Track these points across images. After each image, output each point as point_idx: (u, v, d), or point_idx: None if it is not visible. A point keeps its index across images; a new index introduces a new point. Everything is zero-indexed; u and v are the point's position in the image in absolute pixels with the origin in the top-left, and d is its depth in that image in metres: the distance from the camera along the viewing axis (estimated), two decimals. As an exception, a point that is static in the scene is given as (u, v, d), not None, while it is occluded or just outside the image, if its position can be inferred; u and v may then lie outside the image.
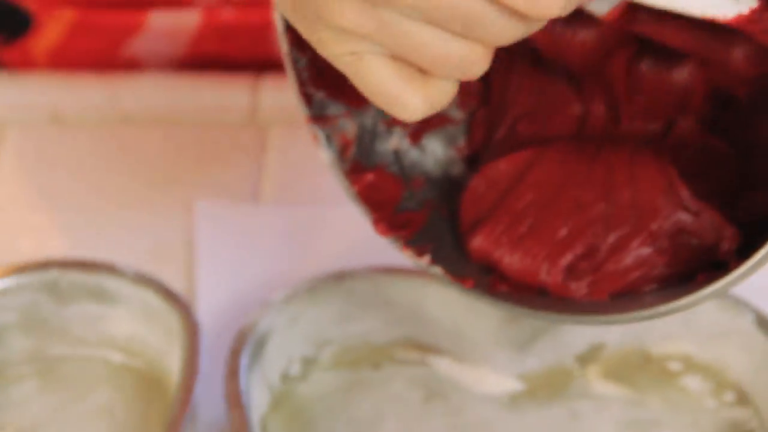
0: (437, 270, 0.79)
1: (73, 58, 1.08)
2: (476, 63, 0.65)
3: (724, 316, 0.85)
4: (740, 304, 0.85)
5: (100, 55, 1.07)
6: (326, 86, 0.79)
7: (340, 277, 0.87)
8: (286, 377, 0.86)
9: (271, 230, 0.96)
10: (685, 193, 0.76)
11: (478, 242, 0.80)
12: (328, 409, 0.86)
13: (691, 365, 0.87)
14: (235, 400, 0.80)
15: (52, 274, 0.86)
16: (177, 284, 0.89)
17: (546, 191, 0.80)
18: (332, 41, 0.65)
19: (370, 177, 0.80)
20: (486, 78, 0.71)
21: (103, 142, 1.03)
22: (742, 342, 0.85)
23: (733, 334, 0.85)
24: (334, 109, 0.80)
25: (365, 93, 0.66)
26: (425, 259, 0.80)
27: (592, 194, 0.78)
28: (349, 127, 0.81)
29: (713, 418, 0.85)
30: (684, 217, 0.76)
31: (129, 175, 1.01)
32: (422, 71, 0.66)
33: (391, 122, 0.84)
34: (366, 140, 0.81)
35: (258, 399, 0.83)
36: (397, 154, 0.82)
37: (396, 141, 0.84)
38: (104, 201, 0.99)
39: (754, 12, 0.69)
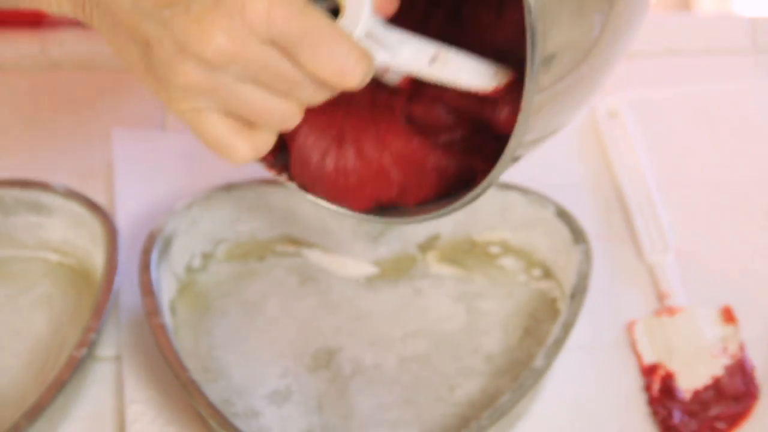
0: (293, 185, 0.82)
1: (8, 16, 1.08)
2: (293, 117, 0.68)
3: (532, 208, 0.91)
4: (543, 198, 0.91)
5: (32, 15, 1.08)
6: None
7: (229, 187, 0.92)
8: (189, 269, 0.91)
9: (176, 152, 0.99)
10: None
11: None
12: (224, 293, 0.91)
13: (507, 248, 0.93)
14: (147, 289, 0.85)
15: None
16: (99, 197, 0.92)
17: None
18: (177, 99, 0.67)
19: None
20: None
21: (36, 86, 1.06)
22: (546, 229, 0.91)
23: (539, 223, 0.91)
24: None
25: (204, 142, 0.68)
26: (284, 177, 0.82)
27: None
28: None
29: (525, 289, 0.91)
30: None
31: (58, 111, 1.04)
32: (249, 124, 0.68)
33: None
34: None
35: (167, 287, 0.88)
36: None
37: None
38: (38, 132, 1.03)
39: (507, 85, 0.73)
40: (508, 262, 0.94)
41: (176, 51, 0.65)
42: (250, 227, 0.94)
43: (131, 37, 0.67)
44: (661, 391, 0.87)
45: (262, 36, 0.65)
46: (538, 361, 0.83)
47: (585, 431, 0.85)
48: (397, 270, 0.93)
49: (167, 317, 0.85)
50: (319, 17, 0.65)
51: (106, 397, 0.86)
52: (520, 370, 0.87)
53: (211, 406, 0.80)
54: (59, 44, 1.09)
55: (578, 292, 0.86)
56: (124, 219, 0.94)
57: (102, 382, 0.87)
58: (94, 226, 0.90)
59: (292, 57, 0.66)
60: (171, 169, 0.99)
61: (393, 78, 0.73)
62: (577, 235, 0.90)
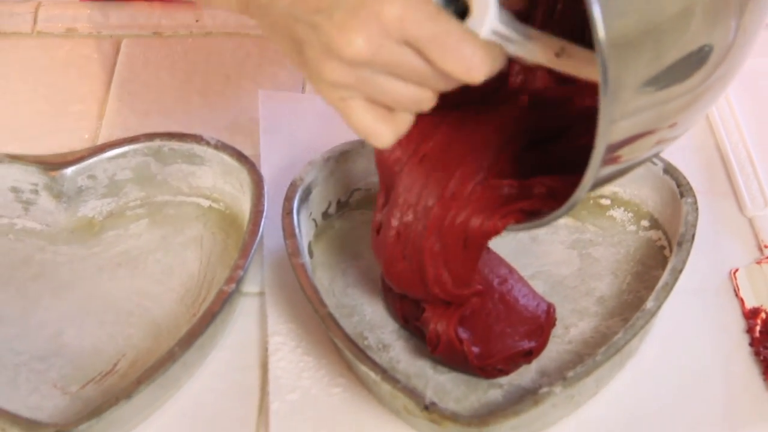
0: None
1: None
2: (427, 101, 0.67)
3: (642, 165, 0.82)
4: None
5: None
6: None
7: (363, 143, 0.84)
8: (326, 215, 0.87)
9: (314, 111, 0.96)
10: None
11: None
12: (357, 237, 0.87)
13: (617, 201, 0.87)
14: (290, 232, 0.81)
15: (157, 143, 0.87)
16: (246, 150, 0.88)
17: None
18: (326, 89, 0.66)
19: None
20: None
21: (191, 51, 1.04)
22: (655, 184, 0.85)
23: (648, 178, 0.86)
24: None
25: (352, 129, 0.68)
26: None
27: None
28: None
29: (634, 238, 0.86)
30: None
31: (210, 73, 1.01)
32: (389, 108, 0.67)
33: None
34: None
35: (306, 231, 0.84)
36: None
37: None
38: (193, 92, 1.00)
39: None
40: (618, 213, 0.88)
41: (323, 51, 0.65)
42: (381, 178, 0.89)
43: (286, 36, 0.67)
44: (762, 333, 0.80)
45: (396, 39, 0.63)
46: (649, 303, 0.77)
47: (691, 370, 0.79)
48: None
49: (306, 258, 0.81)
50: (447, 20, 0.63)
51: (251, 329, 0.83)
52: (630, 312, 0.81)
53: (347, 339, 0.76)
54: (212, 15, 1.07)
55: (686, 240, 0.80)
56: (267, 170, 0.91)
57: (247, 315, 0.84)
58: (241, 174, 0.87)
59: (424, 56, 0.64)
60: (310, 126, 0.95)
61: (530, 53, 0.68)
62: (684, 189, 0.84)
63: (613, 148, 0.63)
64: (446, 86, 0.66)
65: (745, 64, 0.68)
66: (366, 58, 0.63)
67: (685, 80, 0.63)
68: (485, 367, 0.77)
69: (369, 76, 0.65)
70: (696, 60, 0.62)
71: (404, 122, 0.68)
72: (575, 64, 0.65)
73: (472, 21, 0.64)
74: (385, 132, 0.68)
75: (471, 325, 0.77)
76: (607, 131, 0.61)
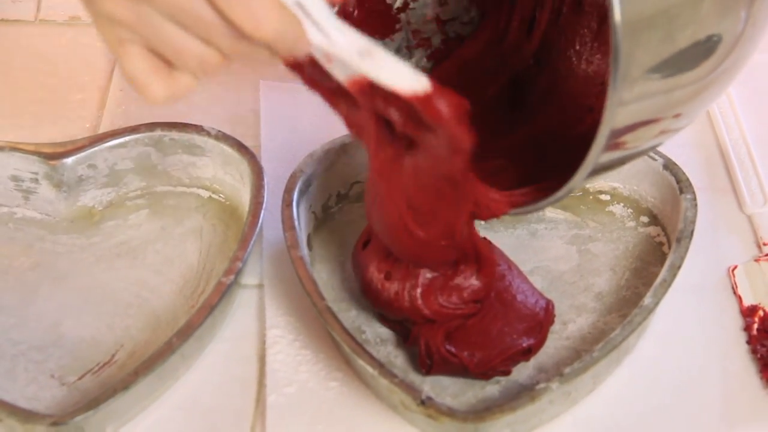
0: None
1: None
2: (210, 62, 0.61)
3: (641, 160, 0.84)
4: (653, 151, 0.83)
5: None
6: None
7: None
8: (325, 207, 0.86)
9: (315, 103, 0.85)
10: None
11: None
12: (356, 230, 0.84)
13: (616, 196, 0.87)
14: (289, 224, 0.81)
15: (158, 133, 0.87)
16: (247, 140, 0.87)
17: None
18: (104, 27, 0.61)
19: None
20: None
21: None
22: (654, 180, 0.85)
23: (647, 174, 0.85)
24: None
25: (125, 77, 0.62)
26: None
27: None
28: None
29: (633, 234, 0.85)
30: None
31: None
32: (169, 64, 0.62)
33: (412, 46, 0.82)
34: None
35: (305, 223, 0.83)
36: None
37: (416, 60, 0.83)
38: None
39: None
40: (617, 208, 0.87)
41: None
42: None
43: None
44: (759, 330, 0.80)
45: None
46: (647, 300, 0.76)
47: (688, 367, 0.78)
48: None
49: (305, 250, 0.80)
50: None
51: (249, 321, 0.82)
52: (629, 308, 0.80)
53: (344, 332, 0.75)
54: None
55: (684, 237, 0.79)
56: (268, 161, 0.90)
57: (246, 307, 0.83)
58: (242, 165, 0.86)
59: (212, 4, 0.59)
60: (311, 118, 0.94)
61: (338, 74, 0.64)
62: (684, 185, 0.83)
63: (618, 134, 0.63)
64: (233, 47, 0.60)
65: (753, 58, 0.67)
66: None
67: (693, 69, 0.63)
68: (487, 372, 0.76)
69: (150, 16, 0.60)
70: (705, 49, 0.62)
71: (183, 84, 0.63)
72: (378, 67, 0.62)
73: None
74: (158, 87, 0.62)
75: (466, 332, 0.76)
76: (613, 114, 0.61)
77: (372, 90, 0.64)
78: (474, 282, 0.76)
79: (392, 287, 0.77)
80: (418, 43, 0.82)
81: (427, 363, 0.77)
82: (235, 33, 0.59)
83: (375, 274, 0.78)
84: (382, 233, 0.76)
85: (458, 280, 0.76)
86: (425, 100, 0.62)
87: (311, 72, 0.65)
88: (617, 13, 0.58)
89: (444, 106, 0.62)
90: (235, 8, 0.58)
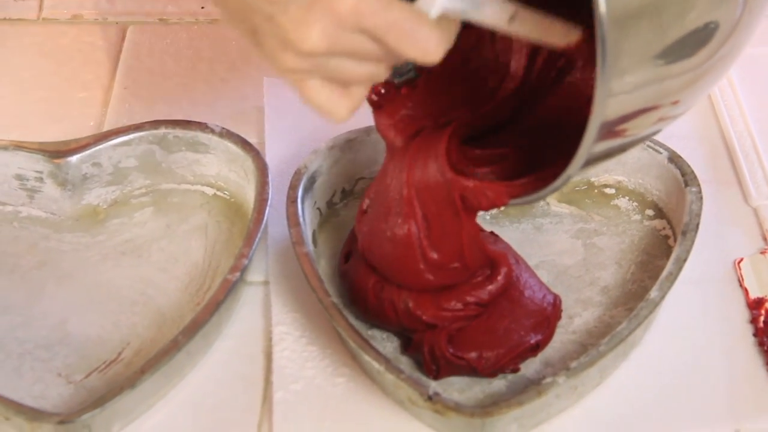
0: None
1: None
2: (380, 75, 0.67)
3: (646, 153, 0.85)
4: (657, 145, 0.84)
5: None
6: None
7: (368, 131, 0.86)
8: (330, 203, 0.86)
9: None
10: None
11: None
12: None
13: (621, 190, 0.87)
14: (294, 220, 0.81)
15: (162, 130, 0.87)
16: (251, 137, 0.88)
17: None
18: (284, 73, 0.66)
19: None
20: None
21: (196, 38, 1.03)
22: (659, 173, 0.85)
23: (652, 167, 0.85)
24: None
25: (311, 107, 0.68)
26: None
27: None
28: None
29: (639, 227, 0.85)
30: None
31: (215, 61, 1.00)
32: (344, 84, 0.67)
33: None
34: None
35: (310, 219, 0.83)
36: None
37: None
38: (198, 79, 0.99)
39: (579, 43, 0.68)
40: (623, 202, 0.87)
41: (279, 43, 0.64)
42: (385, 167, 0.88)
43: (244, 24, 0.66)
44: (766, 323, 0.79)
45: (351, 29, 0.63)
46: (653, 293, 0.76)
47: (694, 360, 0.78)
48: (519, 208, 0.87)
49: (310, 247, 0.80)
50: (400, 7, 0.63)
51: (255, 318, 0.82)
52: (635, 301, 0.80)
53: (351, 328, 0.75)
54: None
55: (690, 230, 0.79)
56: (272, 158, 0.90)
57: (251, 304, 0.83)
58: (246, 162, 0.86)
59: (380, 43, 0.64)
60: (315, 115, 0.89)
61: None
62: (689, 178, 0.83)
63: (612, 123, 0.63)
64: (400, 61, 0.66)
65: (749, 44, 0.67)
66: (322, 51, 0.63)
67: (688, 58, 0.62)
68: (495, 371, 0.76)
69: (325, 61, 0.65)
70: (701, 37, 0.62)
71: (359, 96, 0.68)
72: (528, 29, 0.66)
73: (421, 2, 0.63)
74: (343, 108, 0.67)
75: (471, 332, 0.76)
76: (603, 105, 0.61)
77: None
78: (481, 291, 0.77)
79: (385, 297, 0.77)
80: None
81: (433, 369, 0.76)
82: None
83: (365, 285, 0.78)
84: (387, 262, 0.76)
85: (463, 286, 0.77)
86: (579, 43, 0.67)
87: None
88: (602, 5, 0.58)
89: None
90: (405, 47, 0.63)
